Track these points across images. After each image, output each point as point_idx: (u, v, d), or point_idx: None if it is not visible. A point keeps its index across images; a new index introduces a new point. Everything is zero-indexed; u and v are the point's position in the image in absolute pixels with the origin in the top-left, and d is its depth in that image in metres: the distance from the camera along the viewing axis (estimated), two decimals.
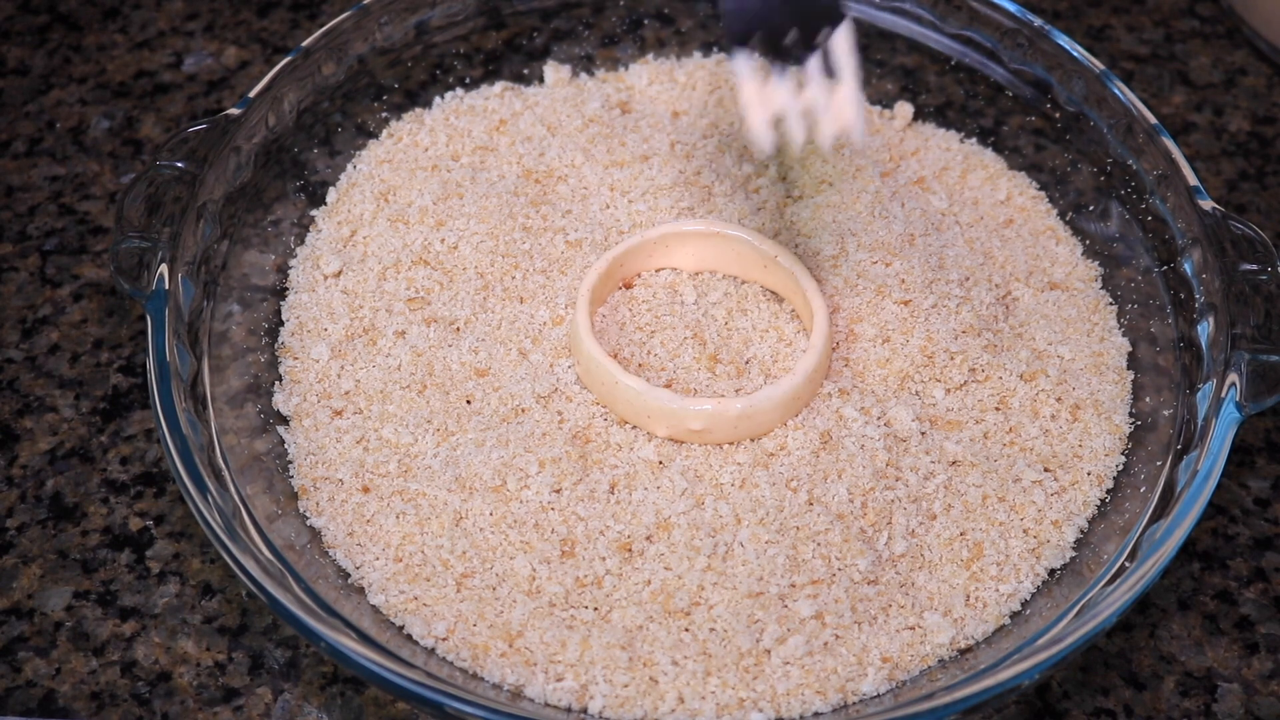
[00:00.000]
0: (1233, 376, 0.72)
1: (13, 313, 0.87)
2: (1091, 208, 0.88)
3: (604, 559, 0.72)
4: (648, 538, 0.73)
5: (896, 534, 0.74)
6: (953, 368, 0.80)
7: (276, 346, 0.82)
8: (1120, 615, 0.66)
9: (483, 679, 0.69)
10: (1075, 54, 0.87)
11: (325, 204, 0.89)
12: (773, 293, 0.83)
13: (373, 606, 0.72)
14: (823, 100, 0.70)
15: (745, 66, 0.69)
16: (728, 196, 0.87)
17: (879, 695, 0.69)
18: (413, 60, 0.93)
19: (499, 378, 0.79)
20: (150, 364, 0.71)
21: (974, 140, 0.94)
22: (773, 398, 0.75)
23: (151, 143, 0.96)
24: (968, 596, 0.73)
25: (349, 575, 0.73)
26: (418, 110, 0.94)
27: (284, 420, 0.79)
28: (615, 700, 0.68)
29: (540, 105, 0.93)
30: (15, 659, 0.73)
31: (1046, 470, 0.77)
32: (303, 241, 0.87)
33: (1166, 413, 0.77)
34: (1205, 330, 0.77)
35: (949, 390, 0.80)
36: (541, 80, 0.96)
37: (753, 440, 0.76)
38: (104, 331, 0.86)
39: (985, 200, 0.89)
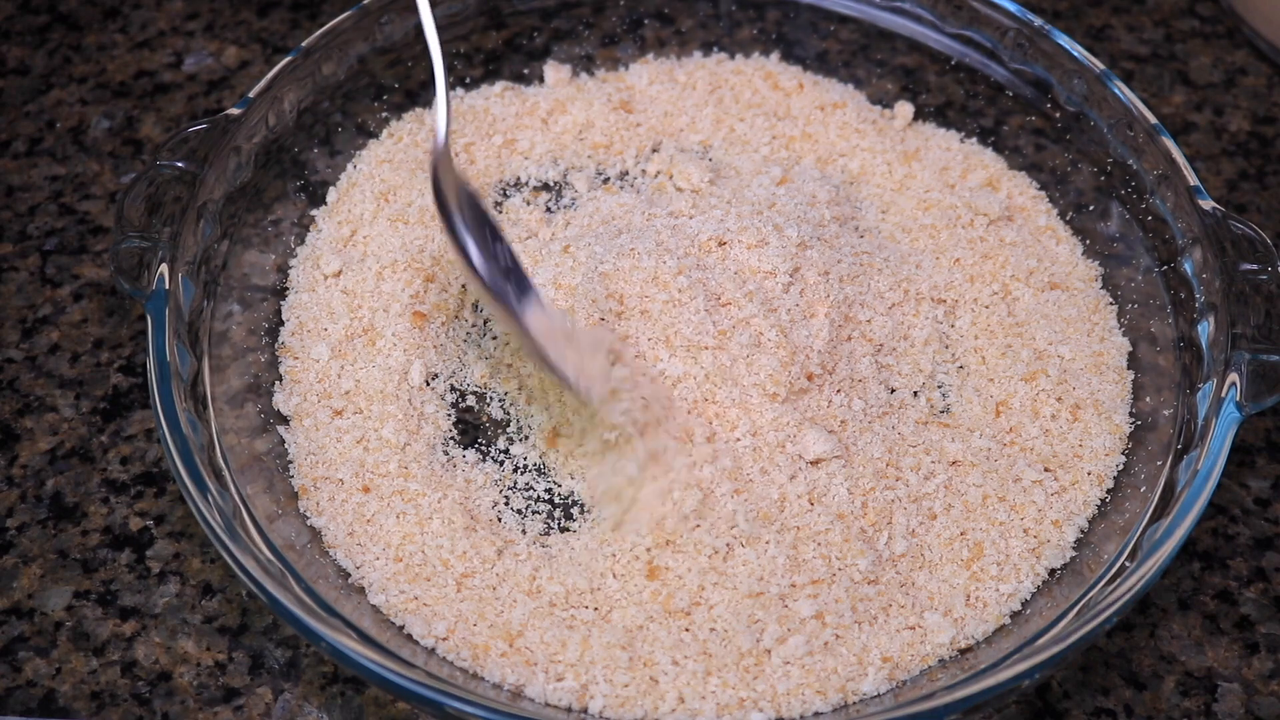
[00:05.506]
0: (1233, 376, 0.72)
1: (13, 313, 0.87)
2: (1092, 207, 0.88)
3: None
4: None
5: (897, 534, 0.74)
6: (953, 367, 0.80)
7: (277, 346, 0.82)
8: (1120, 615, 0.66)
9: (483, 679, 0.69)
10: (1075, 54, 0.87)
11: (325, 204, 0.89)
12: None
13: (373, 606, 0.72)
14: None
15: None
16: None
17: (879, 695, 0.69)
18: (413, 60, 0.93)
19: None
20: (150, 364, 0.71)
21: (974, 140, 0.93)
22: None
23: (152, 142, 0.96)
24: (968, 596, 0.73)
25: (349, 575, 0.73)
26: (418, 110, 0.94)
27: (284, 420, 0.79)
28: (615, 700, 0.68)
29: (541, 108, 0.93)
30: (15, 659, 0.73)
31: (1047, 470, 0.77)
32: (303, 241, 0.87)
33: (1167, 412, 0.77)
34: (1205, 330, 0.77)
35: (949, 390, 0.80)
36: (542, 80, 0.96)
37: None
38: (104, 331, 0.86)
39: (985, 200, 0.89)
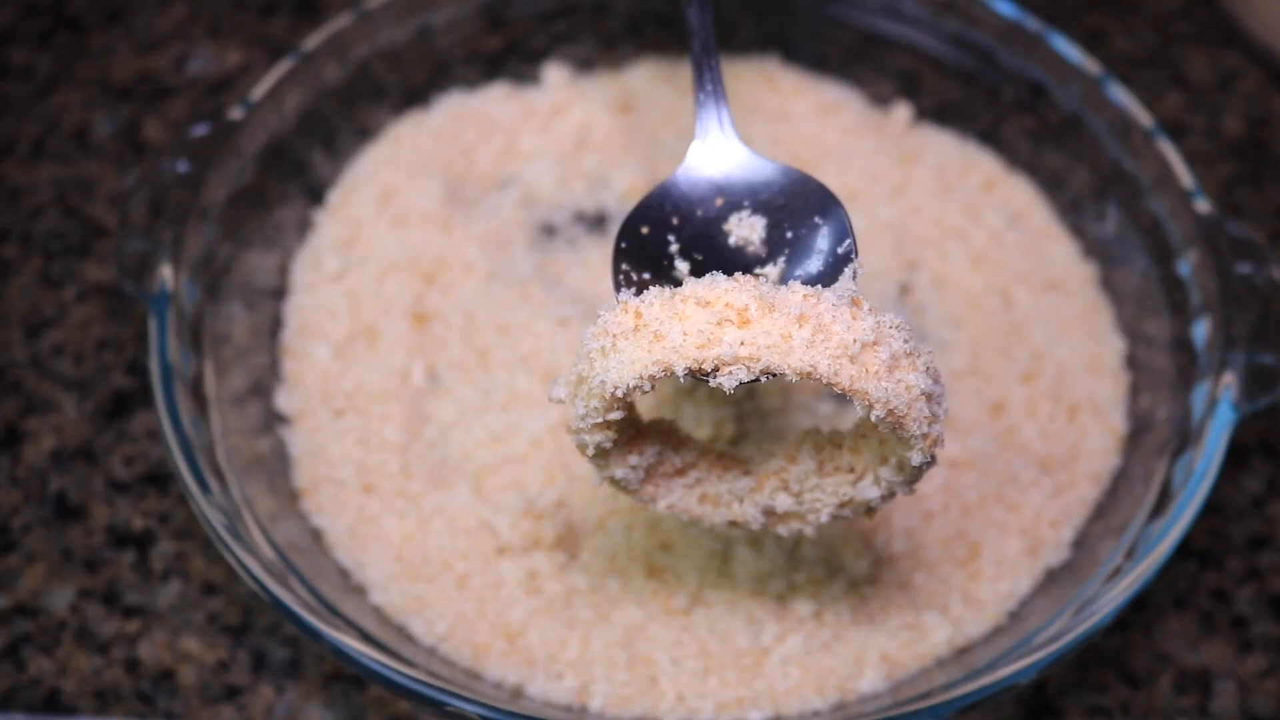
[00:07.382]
0: (1228, 377, 0.73)
1: (17, 314, 0.87)
2: (1089, 209, 0.88)
3: None
4: None
5: (895, 534, 0.74)
6: (951, 368, 0.80)
7: (278, 347, 0.82)
8: (1117, 614, 0.66)
9: (483, 677, 0.70)
10: (1072, 57, 0.87)
11: (327, 206, 0.89)
12: None
13: (374, 606, 0.72)
14: None
15: None
16: None
17: (877, 694, 0.70)
18: (414, 62, 0.94)
19: None
20: (153, 365, 0.72)
21: (972, 142, 0.94)
22: None
23: (154, 145, 0.97)
24: (965, 596, 0.73)
25: (351, 575, 0.73)
26: (419, 112, 0.94)
27: (286, 421, 0.79)
28: (615, 699, 0.68)
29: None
30: (20, 657, 0.74)
31: (1043, 470, 0.77)
32: (304, 243, 0.87)
33: (1163, 413, 0.78)
34: (1201, 331, 0.77)
35: (948, 391, 0.80)
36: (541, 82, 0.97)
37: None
38: (107, 332, 0.86)
39: (983, 202, 0.89)
